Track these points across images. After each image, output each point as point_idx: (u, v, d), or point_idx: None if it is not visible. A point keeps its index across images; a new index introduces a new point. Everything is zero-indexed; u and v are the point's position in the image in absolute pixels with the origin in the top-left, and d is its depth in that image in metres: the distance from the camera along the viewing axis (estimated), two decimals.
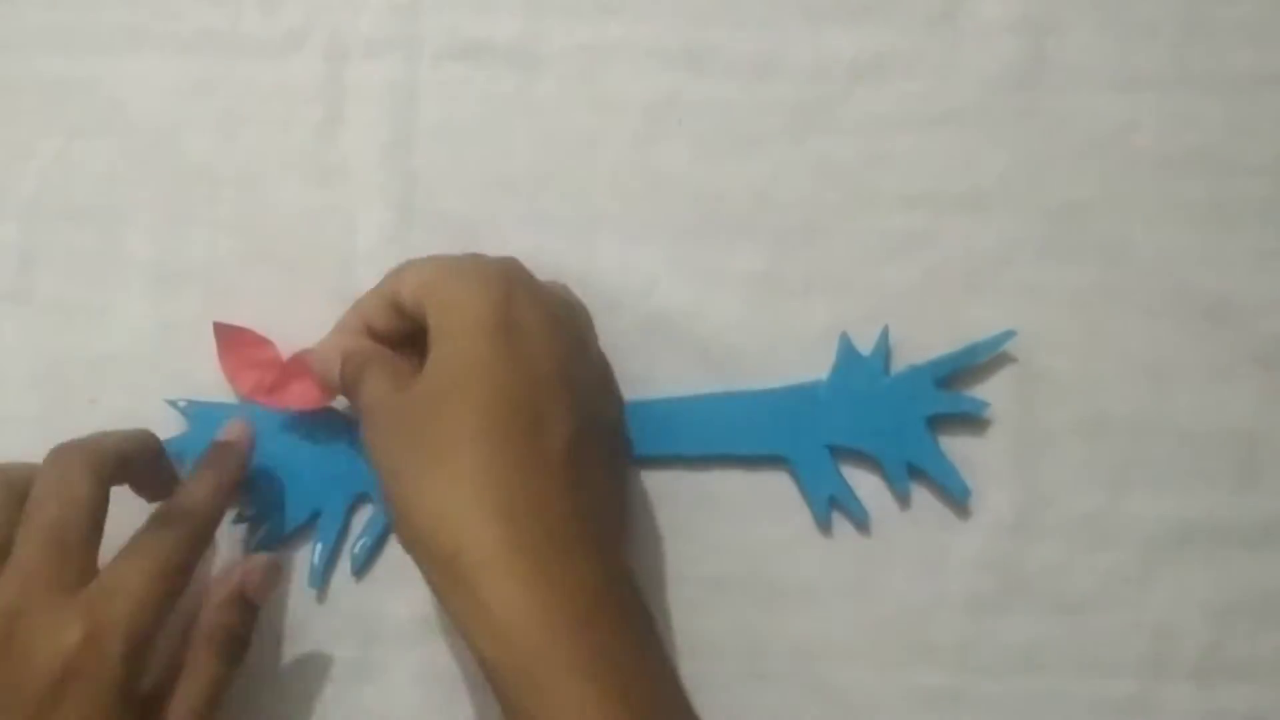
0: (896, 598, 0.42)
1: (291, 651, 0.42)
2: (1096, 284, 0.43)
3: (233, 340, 0.42)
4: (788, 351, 0.42)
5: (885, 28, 0.44)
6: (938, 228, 0.43)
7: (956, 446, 0.42)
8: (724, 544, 0.42)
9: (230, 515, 0.41)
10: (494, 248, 0.43)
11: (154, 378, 0.43)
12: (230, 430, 0.40)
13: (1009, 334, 0.42)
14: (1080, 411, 0.42)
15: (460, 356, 0.35)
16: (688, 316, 0.43)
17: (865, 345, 0.42)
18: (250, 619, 0.39)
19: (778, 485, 0.42)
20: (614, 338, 0.43)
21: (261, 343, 0.42)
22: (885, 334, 0.42)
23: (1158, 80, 0.43)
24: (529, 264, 0.43)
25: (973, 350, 0.42)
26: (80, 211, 0.43)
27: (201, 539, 0.38)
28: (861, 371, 0.42)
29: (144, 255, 0.43)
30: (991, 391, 0.42)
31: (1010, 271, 0.43)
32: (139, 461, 0.39)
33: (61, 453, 0.37)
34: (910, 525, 0.42)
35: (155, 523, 0.37)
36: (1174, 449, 0.42)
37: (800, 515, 0.42)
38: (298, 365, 0.41)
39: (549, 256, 0.43)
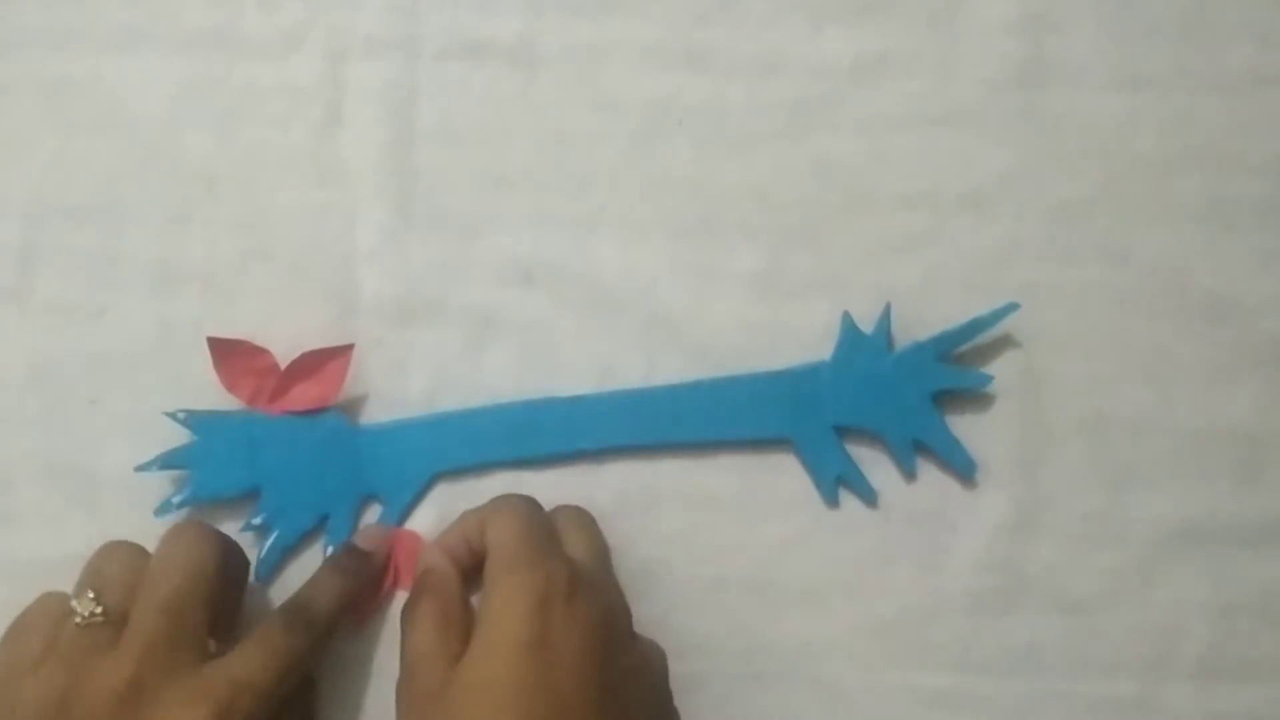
0: (897, 598, 0.42)
1: None
2: (1097, 284, 0.43)
3: (228, 352, 0.41)
4: (788, 351, 0.42)
5: (885, 28, 0.44)
6: (938, 228, 0.43)
7: None
8: (724, 544, 0.42)
9: (238, 524, 0.41)
10: (494, 247, 0.43)
11: (154, 378, 0.42)
12: (370, 538, 0.41)
13: (1012, 306, 0.42)
14: (1081, 411, 0.42)
15: (497, 678, 0.35)
16: (688, 316, 0.43)
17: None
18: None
19: (778, 485, 0.42)
20: (614, 338, 0.43)
21: (258, 352, 0.42)
22: (888, 311, 0.42)
23: (1158, 80, 0.43)
24: (529, 264, 0.43)
25: (975, 324, 0.42)
26: (80, 211, 0.43)
27: (323, 643, 0.38)
28: (864, 349, 0.42)
29: (144, 255, 0.43)
30: (992, 392, 0.42)
31: (1010, 271, 0.43)
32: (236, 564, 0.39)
33: (184, 528, 0.38)
34: (911, 525, 0.42)
35: (289, 618, 0.38)
36: (1174, 449, 0.42)
37: (800, 515, 0.42)
38: (297, 369, 0.41)
39: (549, 256, 0.43)
